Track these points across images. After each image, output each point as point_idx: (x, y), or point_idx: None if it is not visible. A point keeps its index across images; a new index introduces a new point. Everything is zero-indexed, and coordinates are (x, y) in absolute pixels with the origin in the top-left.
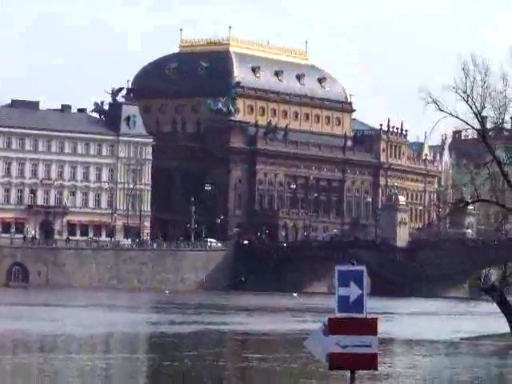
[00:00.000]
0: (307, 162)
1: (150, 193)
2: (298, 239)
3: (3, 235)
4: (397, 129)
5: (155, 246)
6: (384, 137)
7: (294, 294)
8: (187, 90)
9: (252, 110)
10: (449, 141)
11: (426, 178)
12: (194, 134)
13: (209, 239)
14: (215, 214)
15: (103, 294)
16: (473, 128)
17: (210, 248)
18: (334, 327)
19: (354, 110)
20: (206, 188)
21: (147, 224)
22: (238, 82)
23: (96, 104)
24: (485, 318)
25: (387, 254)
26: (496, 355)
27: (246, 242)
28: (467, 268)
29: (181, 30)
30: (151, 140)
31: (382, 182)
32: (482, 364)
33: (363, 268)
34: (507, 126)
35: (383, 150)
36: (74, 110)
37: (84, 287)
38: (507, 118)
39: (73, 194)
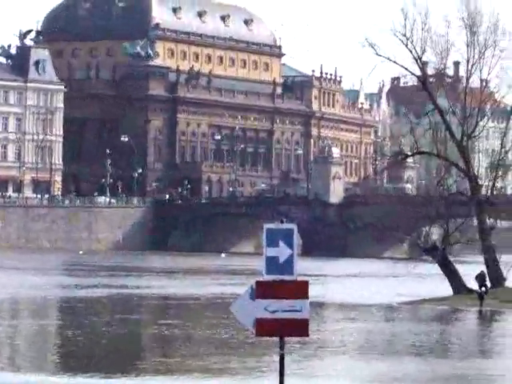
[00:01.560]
0: (233, 111)
1: (61, 144)
2: (223, 195)
3: None
4: (330, 75)
5: (67, 202)
6: (316, 84)
7: (222, 255)
8: (102, 33)
9: (173, 54)
10: (387, 88)
11: (361, 128)
12: (109, 80)
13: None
14: (133, 168)
15: (10, 255)
16: (413, 74)
17: (127, 204)
18: (261, 291)
19: (283, 55)
20: (122, 139)
21: (58, 178)
22: (158, 24)
23: (2, 48)
24: (425, 280)
25: (320, 210)
26: (437, 320)
27: (166, 197)
28: (406, 226)
29: None
30: (62, 87)
31: (314, 132)
32: (421, 330)
33: (293, 226)
34: (449, 71)
35: (315, 98)
36: None
37: None
38: (449, 63)
39: None
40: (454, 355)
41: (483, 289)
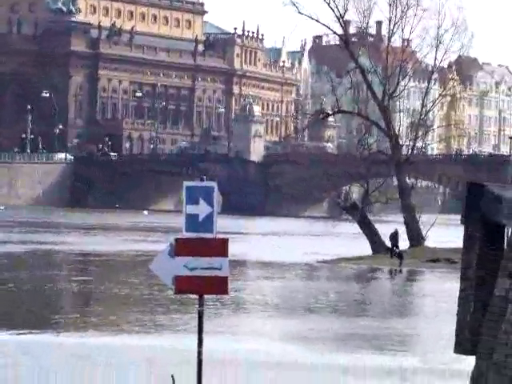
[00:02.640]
0: (154, 68)
1: None
2: (144, 152)
3: None
4: (252, 33)
5: None
6: (238, 41)
7: (145, 212)
8: None
9: (95, 10)
10: (309, 47)
11: (283, 86)
12: (30, 35)
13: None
14: (53, 124)
15: None
16: (334, 33)
17: (47, 161)
18: (180, 248)
19: (205, 12)
20: (43, 95)
21: None
22: None
23: None
24: (345, 239)
25: (240, 168)
26: (355, 279)
27: (86, 154)
28: (327, 185)
29: None
30: None
31: (236, 90)
32: (340, 288)
33: (214, 184)
34: (371, 31)
35: (237, 56)
36: None
37: None
38: (372, 22)
39: None
40: (371, 314)
41: (395, 248)
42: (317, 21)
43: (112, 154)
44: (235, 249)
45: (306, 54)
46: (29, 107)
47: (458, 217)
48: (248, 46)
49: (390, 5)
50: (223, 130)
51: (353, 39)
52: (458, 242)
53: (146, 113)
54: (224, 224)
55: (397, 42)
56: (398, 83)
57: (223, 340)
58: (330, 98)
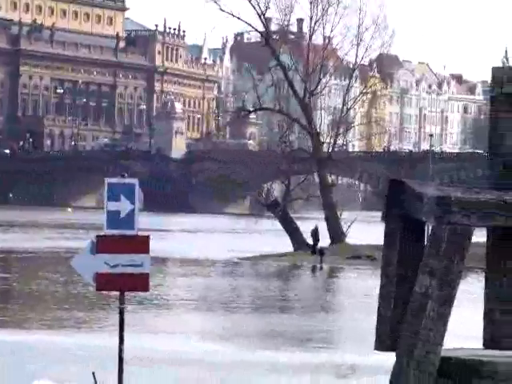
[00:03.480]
0: (75, 65)
1: None
2: (65, 149)
3: None
4: (174, 30)
5: None
6: (160, 38)
7: (69, 209)
8: None
9: (15, 6)
10: (230, 44)
11: (204, 83)
12: None
13: None
14: None
15: None
16: (256, 30)
17: None
18: (102, 245)
19: (127, 9)
20: None
21: None
22: None
23: None
24: (266, 236)
25: (162, 165)
26: (277, 275)
27: (7, 151)
28: (248, 182)
29: None
30: None
31: (158, 87)
32: (261, 285)
33: (135, 181)
34: (293, 28)
35: (159, 53)
36: None
37: None
38: (293, 20)
39: None
40: (293, 310)
41: (319, 244)
42: (238, 18)
43: (33, 151)
44: (157, 246)
45: (227, 51)
46: None
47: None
48: (169, 43)
49: (311, 2)
50: (145, 127)
51: (274, 37)
52: (379, 239)
53: (67, 109)
54: (145, 221)
55: (318, 39)
56: (319, 81)
57: (144, 337)
58: (252, 95)
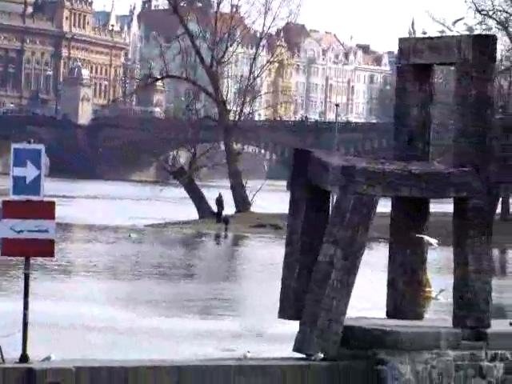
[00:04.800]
0: None
1: None
2: None
3: None
4: None
5: None
6: (67, 4)
7: None
8: None
9: None
10: (138, 11)
11: (112, 50)
12: None
13: None
14: None
15: None
16: None
17: None
18: (7, 211)
19: None
20: None
21: None
22: None
23: None
24: (172, 204)
25: (68, 132)
26: (182, 243)
27: None
28: (155, 149)
29: None
30: None
31: (65, 53)
32: (166, 252)
33: (41, 147)
34: None
35: (66, 19)
36: None
37: None
38: None
39: None
40: (197, 278)
41: (223, 213)
42: None
43: None
44: (63, 212)
45: (135, 18)
46: None
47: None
48: (77, 9)
49: None
50: (51, 93)
51: (182, 4)
52: (284, 208)
53: None
54: (51, 187)
55: (226, 8)
56: (226, 49)
57: (49, 303)
58: (159, 63)
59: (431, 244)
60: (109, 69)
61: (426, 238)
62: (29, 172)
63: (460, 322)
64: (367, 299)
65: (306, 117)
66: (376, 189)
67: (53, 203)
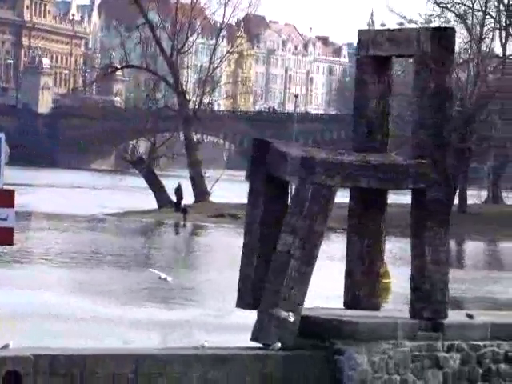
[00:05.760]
0: None
1: None
2: None
3: None
4: None
5: None
6: None
7: None
8: None
9: None
10: (99, 1)
11: (72, 39)
12: None
13: None
14: None
15: None
16: None
17: None
18: None
19: None
20: None
21: None
22: None
23: None
24: (131, 193)
25: (28, 120)
26: (140, 232)
27: None
28: (114, 138)
29: None
30: None
31: (25, 42)
32: (124, 242)
33: (1, 135)
34: None
35: (27, 8)
36: None
37: None
38: None
39: None
40: (155, 267)
41: (182, 202)
42: None
43: None
44: (22, 200)
45: (95, 7)
46: None
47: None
48: None
49: None
50: (12, 82)
51: None
52: (243, 198)
53: None
54: (11, 175)
55: None
56: (186, 39)
57: (8, 292)
58: (119, 52)
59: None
60: (69, 58)
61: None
62: None
63: (417, 312)
64: (325, 289)
65: (273, 108)
66: (335, 179)
67: (12, 192)
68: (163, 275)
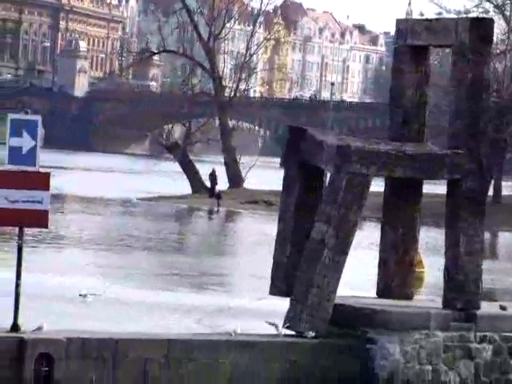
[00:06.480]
0: None
1: None
2: None
3: None
4: None
5: None
6: None
7: None
8: None
9: None
10: None
11: (109, 23)
12: None
13: None
14: None
15: None
16: None
17: None
18: (2, 180)
19: None
20: None
21: None
22: None
23: None
24: (166, 178)
25: (64, 103)
26: (175, 217)
27: None
28: (150, 123)
29: None
30: None
31: (63, 25)
32: (159, 226)
33: (38, 117)
34: None
35: None
36: None
37: None
38: None
39: None
40: (189, 252)
41: (217, 188)
42: None
43: None
44: (57, 183)
45: None
46: None
47: (278, 160)
48: None
49: None
50: (48, 65)
51: None
52: (277, 185)
53: None
54: (46, 158)
55: None
56: (223, 25)
57: (42, 274)
58: (156, 37)
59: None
60: (106, 42)
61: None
62: (25, 142)
63: (450, 303)
64: (358, 278)
65: (315, 95)
66: (370, 169)
67: (48, 174)
68: (84, 291)
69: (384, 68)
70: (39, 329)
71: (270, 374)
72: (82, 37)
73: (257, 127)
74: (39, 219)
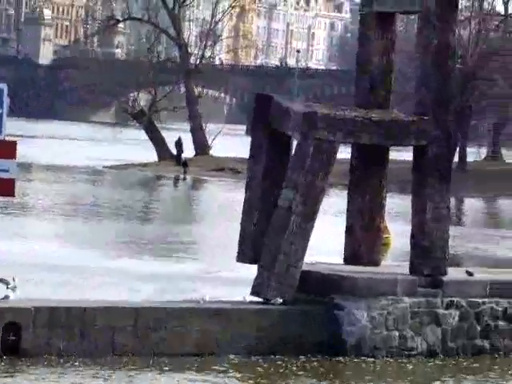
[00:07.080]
0: None
1: None
2: None
3: None
4: None
5: None
6: None
7: None
8: None
9: None
10: None
11: None
12: None
13: None
14: None
15: None
16: None
17: None
18: None
19: None
20: None
21: None
22: None
23: None
24: (131, 145)
25: (29, 71)
26: (141, 185)
27: None
28: (115, 91)
29: None
30: None
31: None
32: (125, 194)
33: (4, 86)
34: None
35: None
36: None
37: None
38: None
39: None
40: (155, 220)
41: (183, 156)
42: None
43: None
44: (23, 151)
45: None
46: None
47: (244, 127)
48: None
49: None
50: (12, 33)
51: None
52: (244, 153)
53: None
54: (11, 126)
55: None
56: None
57: (9, 242)
58: (121, 5)
59: None
60: (70, 9)
61: None
62: None
63: (416, 269)
64: (325, 245)
65: (285, 62)
66: (337, 135)
67: (15, 143)
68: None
69: (349, 35)
70: (6, 298)
71: (238, 341)
72: (47, 4)
73: (223, 94)
74: (6, 188)
